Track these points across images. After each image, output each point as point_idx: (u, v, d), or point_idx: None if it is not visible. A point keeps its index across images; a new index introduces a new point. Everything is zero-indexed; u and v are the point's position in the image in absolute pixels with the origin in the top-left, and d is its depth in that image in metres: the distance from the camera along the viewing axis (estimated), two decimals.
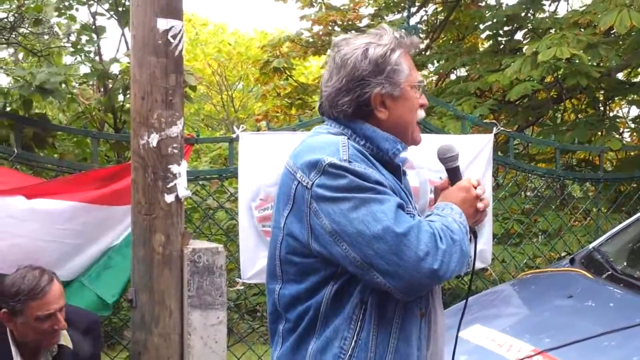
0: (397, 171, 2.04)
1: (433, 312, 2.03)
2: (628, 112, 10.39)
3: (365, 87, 1.96)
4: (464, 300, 2.37)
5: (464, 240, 1.88)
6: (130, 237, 3.69)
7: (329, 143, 1.90)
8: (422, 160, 4.66)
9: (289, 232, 1.92)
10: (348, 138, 1.96)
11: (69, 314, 3.15)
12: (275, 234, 1.98)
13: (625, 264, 3.97)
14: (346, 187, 1.81)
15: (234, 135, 4.51)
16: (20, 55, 8.05)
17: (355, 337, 1.87)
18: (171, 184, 3.53)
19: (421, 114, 2.08)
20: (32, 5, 6.28)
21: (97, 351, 3.37)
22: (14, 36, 7.16)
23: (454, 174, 2.09)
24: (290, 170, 1.93)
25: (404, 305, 1.90)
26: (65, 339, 3.17)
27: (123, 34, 6.09)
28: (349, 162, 1.84)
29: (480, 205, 2.01)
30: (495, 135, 5.27)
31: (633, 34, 6.85)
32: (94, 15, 6.07)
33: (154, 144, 3.49)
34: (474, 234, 2.09)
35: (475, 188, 2.02)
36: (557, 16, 7.95)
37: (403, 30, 2.11)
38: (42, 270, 3.09)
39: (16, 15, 6.79)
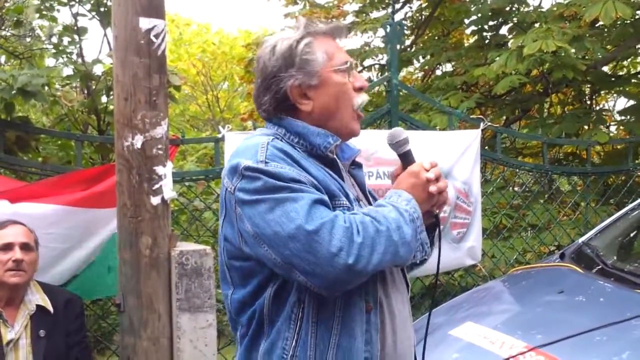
0: (333, 165, 1.99)
1: (386, 303, 1.97)
2: (614, 105, 10.43)
3: (279, 83, 1.95)
4: (430, 309, 2.33)
5: (398, 230, 1.80)
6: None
7: (250, 146, 1.90)
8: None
9: (225, 237, 1.94)
10: (282, 137, 1.95)
11: (49, 290, 3.48)
12: (220, 239, 1.99)
13: (615, 258, 3.97)
14: (261, 189, 1.80)
15: (219, 136, 4.48)
16: (2, 58, 7.96)
17: (295, 337, 1.85)
18: (157, 186, 3.49)
19: (361, 98, 2.02)
20: (12, 7, 6.21)
21: (82, 326, 3.60)
22: None
23: (405, 159, 2.03)
24: (222, 177, 1.94)
25: (345, 300, 1.86)
26: (44, 302, 3.38)
27: (105, 35, 6.03)
28: (265, 163, 1.82)
29: (432, 188, 1.93)
30: (482, 129, 5.27)
31: (618, 24, 6.86)
32: (75, 16, 6.00)
33: (139, 145, 3.45)
34: (435, 218, 2.03)
35: (428, 171, 1.94)
36: (542, 9, 7.94)
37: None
38: (10, 219, 3.46)
39: None
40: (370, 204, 2.10)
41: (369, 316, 1.90)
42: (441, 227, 2.08)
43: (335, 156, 2.01)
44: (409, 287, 2.15)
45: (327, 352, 1.86)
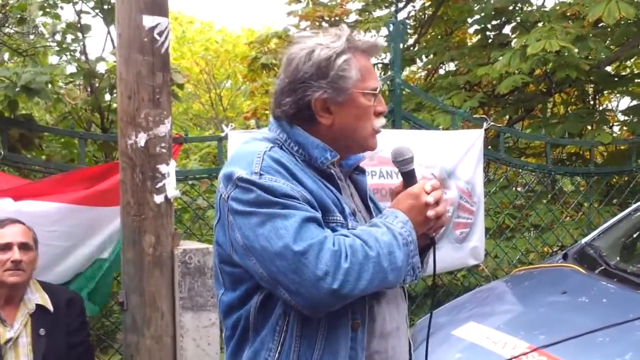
0: (330, 178, 1.96)
1: (379, 318, 1.95)
2: (617, 105, 10.41)
3: (307, 91, 1.90)
4: (430, 314, 2.33)
5: (389, 255, 1.79)
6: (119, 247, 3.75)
7: (247, 154, 1.87)
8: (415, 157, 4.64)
9: (217, 241, 1.94)
10: (283, 143, 1.93)
11: (50, 288, 3.46)
12: (214, 242, 1.99)
13: (618, 258, 3.96)
14: (254, 201, 1.78)
15: (222, 134, 4.48)
16: (6, 56, 7.97)
17: (279, 349, 1.84)
18: (160, 184, 3.50)
19: (379, 122, 1.99)
20: (15, 5, 6.21)
21: (84, 325, 3.56)
22: None
23: (408, 178, 2.00)
24: (218, 182, 1.93)
25: (329, 318, 1.84)
26: (44, 301, 3.36)
27: (109, 32, 6.02)
28: (260, 175, 1.80)
29: (430, 213, 1.89)
30: (485, 129, 5.27)
31: (622, 23, 6.85)
32: (79, 13, 5.99)
33: (142, 143, 3.45)
34: (431, 240, 2.01)
35: (429, 194, 1.91)
36: (545, 9, 7.93)
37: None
38: (9, 218, 3.44)
39: (0, 14, 6.70)
40: (370, 212, 2.09)
41: (355, 334, 1.89)
42: (437, 244, 2.06)
43: (333, 170, 1.97)
44: (406, 295, 2.12)
45: None
